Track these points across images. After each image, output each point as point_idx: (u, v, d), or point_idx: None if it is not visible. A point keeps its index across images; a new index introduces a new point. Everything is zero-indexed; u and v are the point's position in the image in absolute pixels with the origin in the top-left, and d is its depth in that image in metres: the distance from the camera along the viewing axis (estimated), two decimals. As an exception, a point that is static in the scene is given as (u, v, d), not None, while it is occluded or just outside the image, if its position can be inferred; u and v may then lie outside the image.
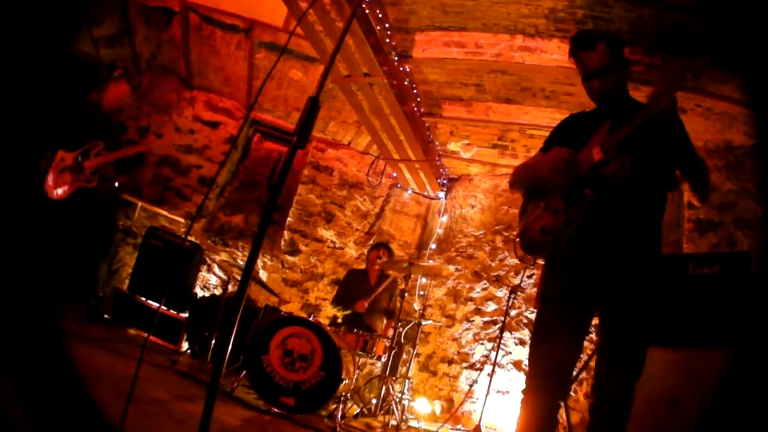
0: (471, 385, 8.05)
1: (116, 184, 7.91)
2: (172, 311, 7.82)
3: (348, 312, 7.81)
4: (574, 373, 3.63)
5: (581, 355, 3.53)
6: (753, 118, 5.50)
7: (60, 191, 6.69)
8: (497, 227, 8.99)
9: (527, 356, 3.57)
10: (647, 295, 3.21)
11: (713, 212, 6.37)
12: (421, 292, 9.19)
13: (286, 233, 10.01)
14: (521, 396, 3.46)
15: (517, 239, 3.64)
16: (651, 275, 3.26)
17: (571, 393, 6.73)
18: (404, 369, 7.91)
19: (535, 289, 7.78)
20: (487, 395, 6.84)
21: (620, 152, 3.18)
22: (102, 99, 7.07)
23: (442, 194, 9.86)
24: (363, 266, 8.43)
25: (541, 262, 3.69)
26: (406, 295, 7.32)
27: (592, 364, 6.22)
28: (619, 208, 3.25)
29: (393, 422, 6.66)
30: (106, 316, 7.42)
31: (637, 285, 3.20)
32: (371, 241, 9.63)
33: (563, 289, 3.39)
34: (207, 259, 9.34)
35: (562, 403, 4.57)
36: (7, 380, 2.27)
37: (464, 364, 8.29)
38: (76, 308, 7.29)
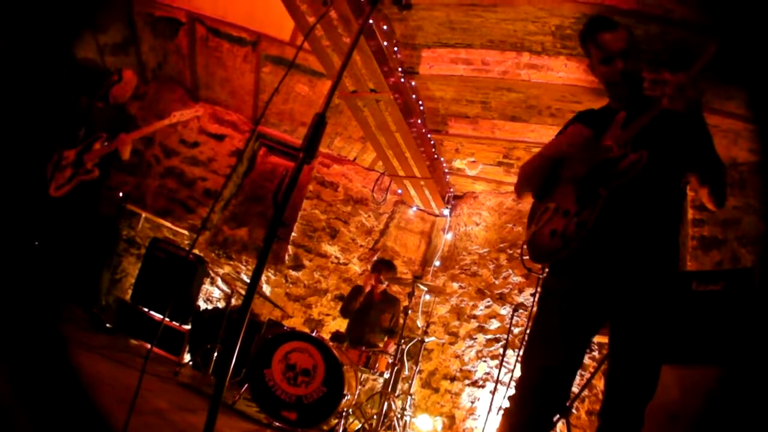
0: (473, 402, 8.04)
1: (121, 194, 7.90)
2: (174, 323, 7.83)
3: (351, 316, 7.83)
4: (576, 389, 3.52)
5: (580, 371, 3.35)
6: (758, 133, 5.50)
7: (60, 188, 6.64)
8: (501, 245, 8.99)
9: (520, 363, 3.29)
10: (666, 310, 3.03)
11: (717, 229, 6.35)
12: (425, 309, 9.18)
13: (290, 248, 10.01)
14: (506, 404, 3.24)
15: (525, 247, 3.47)
16: (670, 287, 3.08)
17: (573, 411, 6.71)
18: (406, 385, 7.90)
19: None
20: (489, 412, 6.82)
21: (636, 146, 3.03)
22: (110, 93, 7.01)
23: (446, 211, 9.85)
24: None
25: (547, 271, 3.41)
26: (410, 312, 7.32)
27: (594, 381, 6.25)
28: (636, 209, 3.06)
29: (394, 438, 6.66)
30: (108, 325, 7.41)
31: (656, 298, 3.00)
32: (375, 258, 9.61)
33: (569, 296, 3.14)
34: (210, 272, 9.35)
35: (564, 420, 4.51)
36: (11, 387, 2.28)
37: (466, 381, 8.27)
38: (78, 316, 7.29)
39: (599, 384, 6.55)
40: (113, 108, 7.15)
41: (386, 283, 8.04)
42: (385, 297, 8.09)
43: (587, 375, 6.21)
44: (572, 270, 3.16)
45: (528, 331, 3.42)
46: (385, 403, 6.88)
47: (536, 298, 3.70)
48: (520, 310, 7.68)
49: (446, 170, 9.14)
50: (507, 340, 7.41)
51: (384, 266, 8.13)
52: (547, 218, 3.34)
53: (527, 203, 3.71)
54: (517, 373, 6.84)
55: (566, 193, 3.29)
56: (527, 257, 3.48)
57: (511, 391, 3.25)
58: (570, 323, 3.11)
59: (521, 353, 3.33)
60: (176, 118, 7.18)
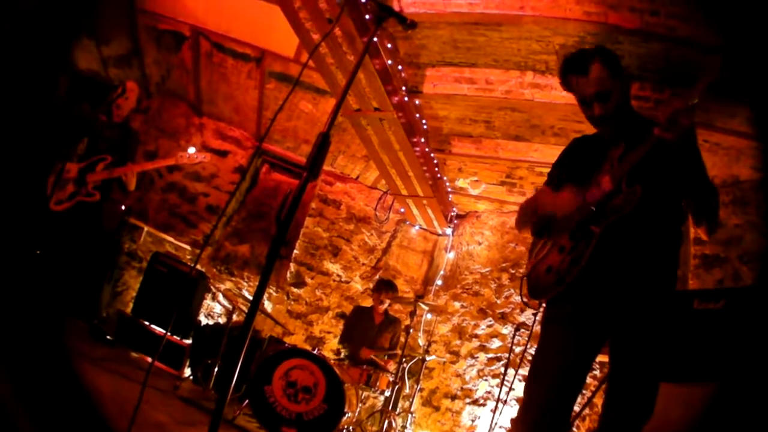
0: (474, 421, 8.02)
1: (123, 207, 7.91)
2: (175, 337, 7.83)
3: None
4: (577, 408, 3.50)
5: (583, 391, 3.35)
6: (761, 150, 5.49)
7: (61, 203, 6.66)
8: (504, 264, 8.98)
9: (523, 387, 3.33)
10: (663, 332, 3.06)
11: (719, 247, 6.32)
12: (426, 328, 9.16)
13: (292, 265, 10.01)
14: (509, 426, 3.24)
15: (524, 281, 3.48)
16: (665, 315, 3.08)
17: (574, 429, 6.69)
18: (407, 403, 7.90)
19: (539, 327, 7.76)
20: (489, 431, 6.81)
21: (631, 180, 3.01)
22: (115, 111, 7.04)
23: (449, 231, 9.84)
24: (369, 302, 8.43)
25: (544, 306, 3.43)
26: (411, 330, 7.32)
27: (595, 400, 6.23)
28: (629, 244, 3.05)
29: (394, 456, 6.65)
30: (108, 337, 7.42)
31: (653, 322, 3.01)
32: (377, 276, 9.63)
33: (569, 323, 3.15)
34: (212, 287, 9.34)
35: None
36: (17, 396, 2.28)
37: (467, 400, 8.25)
38: (79, 327, 7.30)
39: (600, 402, 6.53)
40: (117, 126, 7.17)
41: (388, 302, 8.05)
42: (386, 318, 8.09)
43: (588, 394, 6.20)
44: (570, 301, 3.17)
45: (531, 354, 3.43)
46: (386, 421, 6.88)
47: (539, 320, 3.71)
48: (522, 330, 7.66)
49: (449, 189, 9.14)
50: (508, 359, 7.40)
51: (385, 286, 8.13)
52: (545, 253, 3.37)
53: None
54: (518, 392, 6.84)
55: (563, 229, 3.31)
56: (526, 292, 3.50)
57: (514, 412, 3.28)
58: (571, 348, 3.13)
59: (525, 377, 3.35)
60: (183, 159, 7.24)
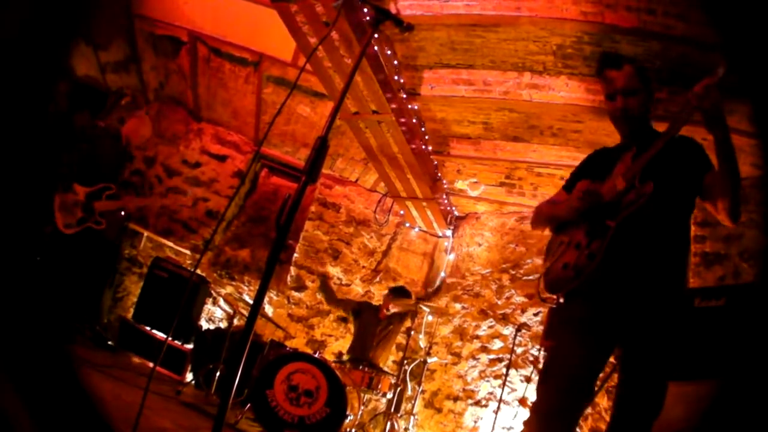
0: (476, 422, 8.01)
1: (122, 213, 7.93)
2: (176, 342, 7.83)
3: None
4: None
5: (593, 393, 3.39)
6: (760, 147, 5.48)
7: (70, 227, 6.72)
8: (504, 265, 8.97)
9: (535, 389, 3.40)
10: (673, 332, 3.13)
11: (719, 245, 6.32)
12: (428, 330, 9.16)
13: (292, 269, 10.00)
14: (521, 427, 3.29)
15: (541, 279, 3.58)
16: (677, 312, 3.16)
17: (577, 429, 6.69)
18: (409, 405, 7.90)
19: (541, 327, 7.76)
20: (492, 432, 6.82)
21: (644, 178, 3.12)
22: (119, 128, 7.13)
23: (449, 232, 9.84)
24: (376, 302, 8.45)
25: (562, 301, 3.52)
26: (413, 333, 7.32)
27: (597, 400, 6.23)
28: (643, 239, 3.14)
29: (397, 458, 6.65)
30: (110, 343, 7.44)
31: (663, 322, 3.10)
32: (377, 279, 9.63)
33: (582, 323, 3.23)
34: (213, 292, 9.34)
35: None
36: (20, 403, 2.28)
37: (469, 401, 8.24)
38: (80, 333, 7.30)
39: (602, 402, 6.54)
40: (113, 138, 7.20)
41: (393, 309, 8.04)
42: (392, 315, 8.08)
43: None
44: (585, 297, 3.25)
45: (533, 355, 3.48)
46: (388, 423, 6.88)
47: (540, 321, 3.75)
48: (523, 330, 7.66)
49: (448, 191, 9.14)
50: (510, 360, 7.40)
51: (403, 294, 8.10)
52: (561, 252, 3.47)
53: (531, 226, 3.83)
54: (520, 393, 6.82)
55: (579, 227, 3.40)
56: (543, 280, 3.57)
57: (516, 412, 3.30)
58: (584, 353, 3.19)
59: (527, 377, 3.41)
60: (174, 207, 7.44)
